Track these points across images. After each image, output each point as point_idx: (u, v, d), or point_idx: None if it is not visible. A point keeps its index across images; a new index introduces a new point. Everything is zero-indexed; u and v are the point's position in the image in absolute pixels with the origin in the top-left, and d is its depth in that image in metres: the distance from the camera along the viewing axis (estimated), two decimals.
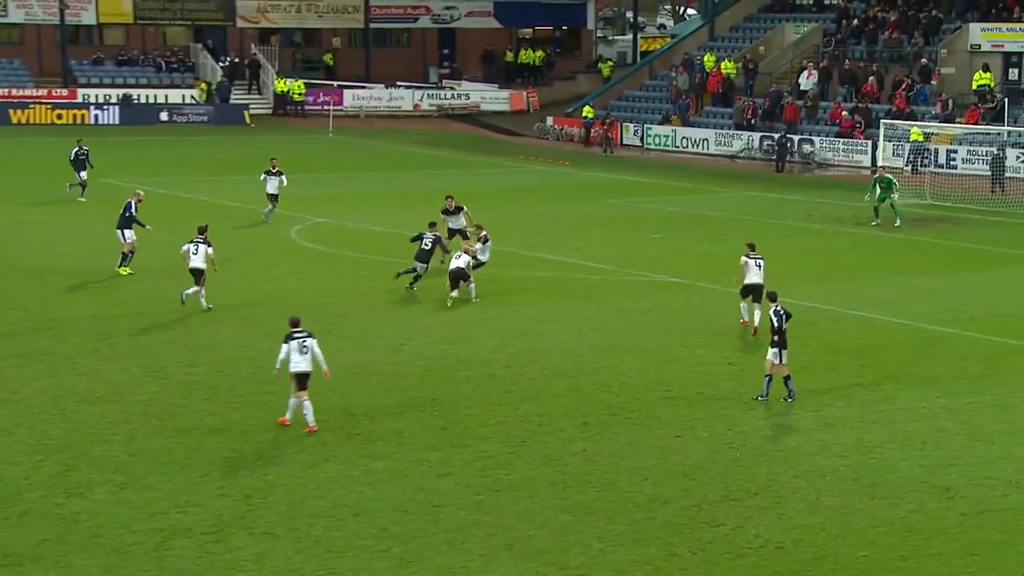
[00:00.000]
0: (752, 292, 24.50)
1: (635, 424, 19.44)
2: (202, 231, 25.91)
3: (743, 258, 24.60)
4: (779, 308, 20.34)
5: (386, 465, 17.60)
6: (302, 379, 18.83)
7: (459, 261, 26.87)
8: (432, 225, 28.62)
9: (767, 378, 20.25)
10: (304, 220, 37.78)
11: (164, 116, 63.83)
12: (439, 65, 76.08)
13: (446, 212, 30.36)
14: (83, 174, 38.64)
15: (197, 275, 25.64)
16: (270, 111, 68.27)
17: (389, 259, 31.07)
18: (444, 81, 72.87)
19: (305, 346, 18.70)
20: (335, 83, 70.10)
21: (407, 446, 18.35)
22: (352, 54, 73.69)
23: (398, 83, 70.09)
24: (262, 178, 36.40)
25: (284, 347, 18.80)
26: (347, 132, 61.82)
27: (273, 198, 36.05)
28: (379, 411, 19.92)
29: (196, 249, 25.58)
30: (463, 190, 43.89)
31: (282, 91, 67.63)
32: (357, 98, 68.68)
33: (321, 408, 20.00)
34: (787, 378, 20.30)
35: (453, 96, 70.07)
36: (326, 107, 66.04)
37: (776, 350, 20.17)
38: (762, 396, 20.23)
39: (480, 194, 41.94)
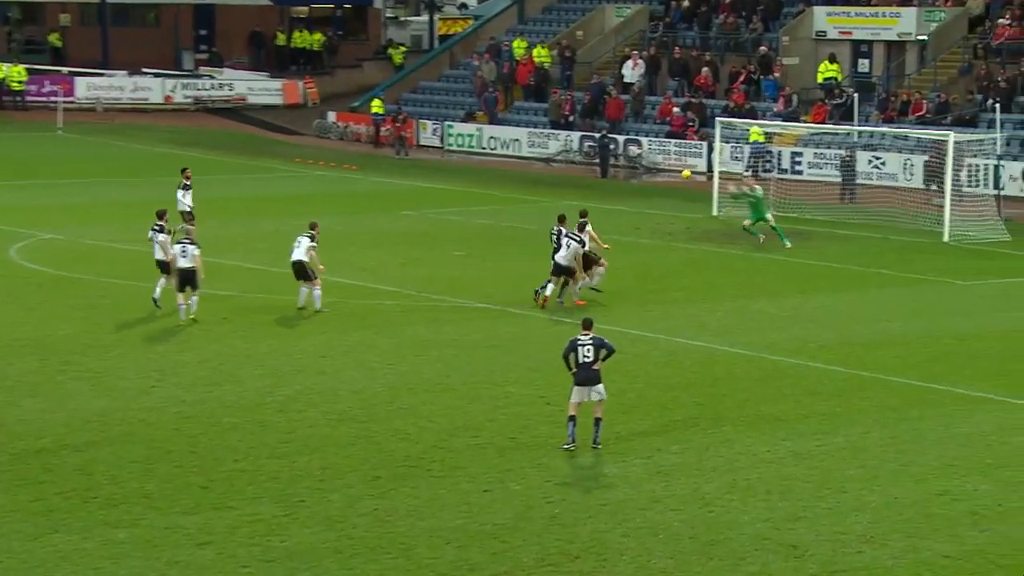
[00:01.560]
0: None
1: (437, 477, 19.52)
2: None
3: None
4: (584, 337, 20.61)
5: (131, 534, 17.26)
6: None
7: None
8: (561, 219, 30.23)
9: (570, 420, 20.53)
10: (28, 236, 36.76)
11: None
12: (195, 49, 75.07)
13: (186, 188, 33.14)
14: None
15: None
16: None
17: (134, 283, 30.46)
18: (201, 68, 71.96)
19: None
20: (64, 69, 68.41)
21: (158, 510, 18.05)
22: (85, 34, 72.08)
23: (144, 70, 68.88)
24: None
25: None
26: (81, 129, 60.42)
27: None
28: (123, 468, 19.52)
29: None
30: (225, 199, 43.50)
31: None
32: (93, 88, 67.21)
33: (50, 467, 19.46)
34: (597, 421, 20.61)
35: (213, 86, 69.24)
36: (53, 98, 64.40)
37: (586, 388, 20.47)
38: (567, 444, 20.52)
39: (248, 203, 41.53)
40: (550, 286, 29.76)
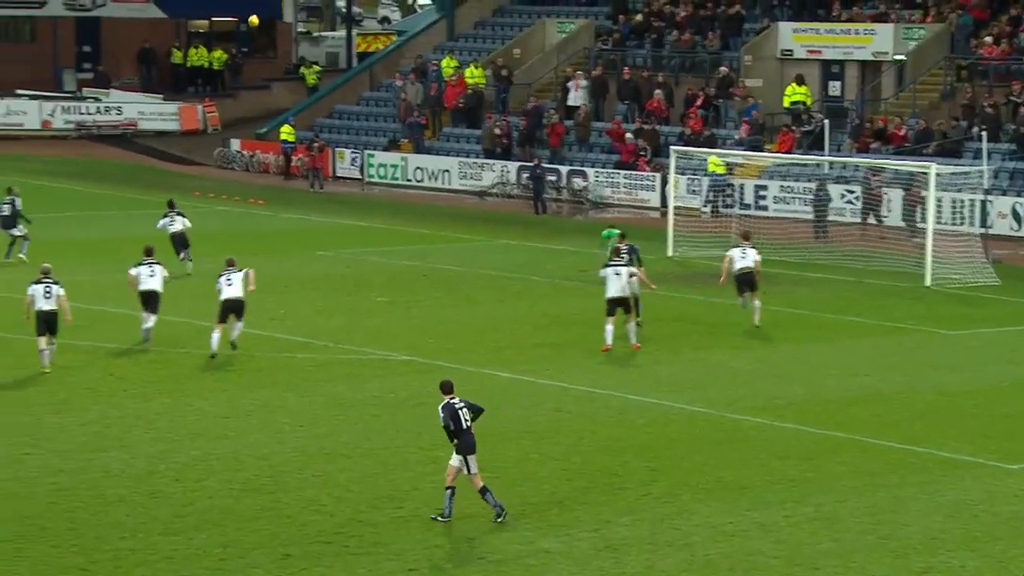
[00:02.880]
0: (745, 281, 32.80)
1: (355, 555, 19.42)
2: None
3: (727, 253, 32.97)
4: (455, 400, 20.61)
5: None
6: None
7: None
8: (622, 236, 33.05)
9: (448, 491, 20.50)
10: None
11: None
12: (77, 68, 74.73)
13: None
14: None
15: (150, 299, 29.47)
16: None
17: (6, 334, 30.16)
18: (85, 90, 71.60)
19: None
20: None
21: None
22: None
23: (18, 92, 68.42)
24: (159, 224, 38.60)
25: None
26: None
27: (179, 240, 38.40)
28: None
29: (152, 271, 29.44)
30: (113, 238, 43.20)
31: None
32: None
33: None
34: (484, 491, 20.59)
35: (99, 110, 68.93)
36: None
37: (461, 456, 20.49)
38: (442, 516, 20.49)
39: (139, 243, 41.25)
40: (609, 328, 30.31)
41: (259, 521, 20.49)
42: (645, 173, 53.65)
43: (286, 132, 60.75)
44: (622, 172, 54.24)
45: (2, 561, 18.88)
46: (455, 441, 20.57)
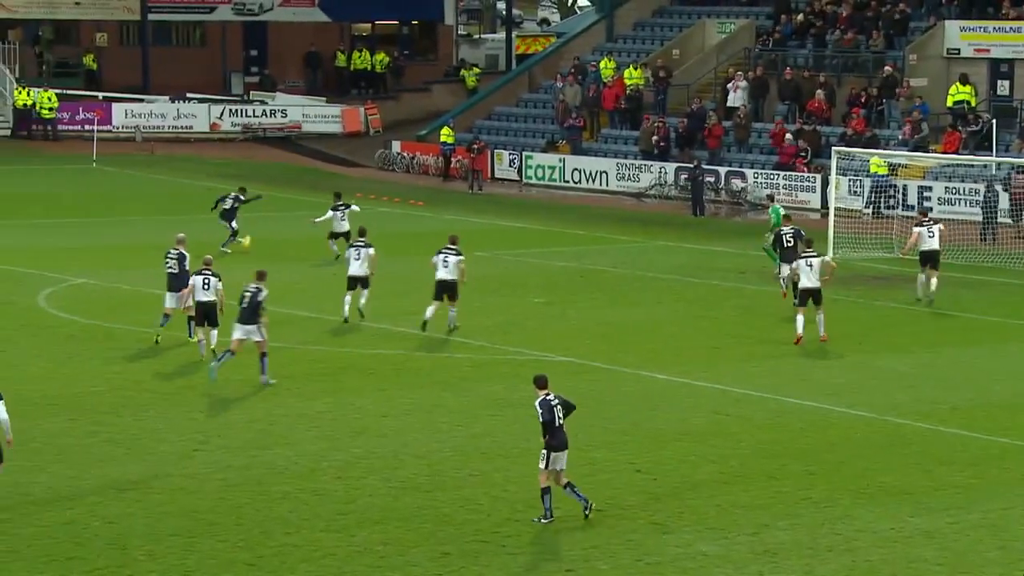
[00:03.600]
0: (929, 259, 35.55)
1: (512, 554, 19.49)
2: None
3: (914, 229, 35.89)
4: (551, 396, 20.61)
5: None
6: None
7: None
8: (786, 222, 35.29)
9: (544, 493, 20.46)
10: (58, 281, 37.27)
11: None
12: (245, 71, 76.02)
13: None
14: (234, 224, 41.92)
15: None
16: (8, 132, 67.29)
17: (175, 333, 30.80)
18: (252, 93, 72.78)
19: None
20: (100, 95, 69.46)
21: None
22: (124, 55, 73.15)
23: (188, 95, 69.79)
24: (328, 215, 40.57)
25: None
26: (118, 161, 61.26)
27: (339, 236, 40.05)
28: (161, 542, 19.67)
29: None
30: (277, 239, 43.85)
31: (24, 105, 66.76)
32: (132, 115, 68.18)
33: (80, 540, 19.66)
34: (568, 485, 20.57)
35: (265, 113, 70.03)
36: (88, 127, 65.44)
37: (545, 452, 20.48)
38: (543, 518, 20.45)
39: (301, 245, 41.88)
40: (799, 319, 31.03)
41: (418, 519, 20.66)
42: (805, 174, 53.10)
43: (446, 134, 61.16)
44: (781, 173, 53.76)
45: (172, 554, 19.27)
46: (547, 437, 20.55)
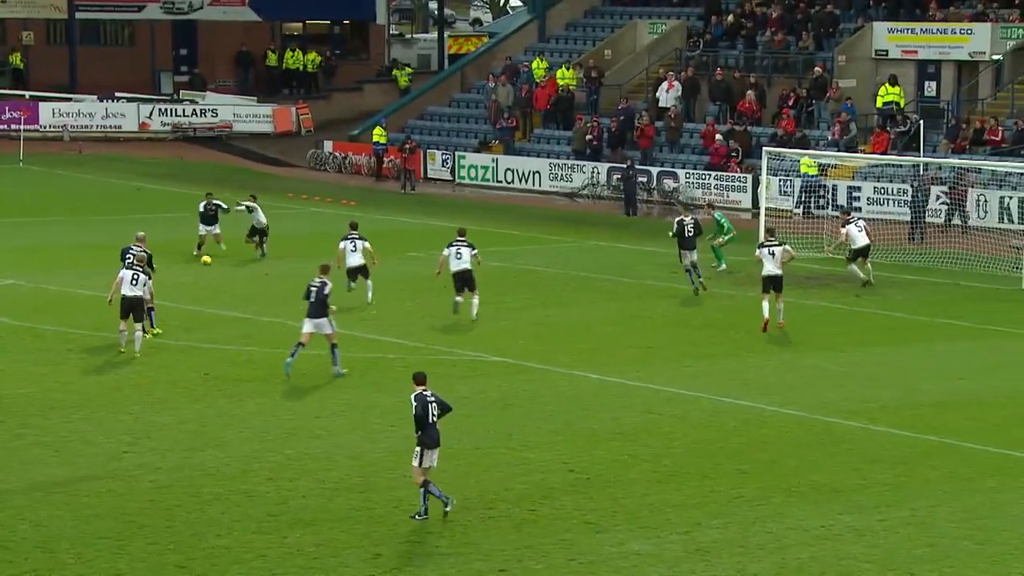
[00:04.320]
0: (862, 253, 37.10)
1: (445, 555, 19.46)
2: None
3: (843, 228, 37.70)
4: (427, 393, 20.78)
5: None
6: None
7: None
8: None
9: (421, 490, 20.60)
10: None
11: None
12: (175, 71, 75.54)
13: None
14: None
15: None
16: None
17: (103, 334, 30.56)
18: (182, 92, 72.35)
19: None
20: (27, 93, 68.80)
21: None
22: (51, 54, 72.52)
23: (117, 94, 69.28)
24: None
25: None
26: (45, 160, 60.74)
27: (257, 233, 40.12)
28: (90, 545, 19.52)
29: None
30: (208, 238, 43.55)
31: None
32: (59, 114, 67.60)
33: (6, 544, 19.47)
34: (427, 483, 20.62)
35: (195, 112, 69.63)
36: (15, 126, 64.80)
37: (418, 449, 20.64)
38: (419, 514, 20.58)
39: (232, 244, 41.63)
40: (765, 305, 32.42)
41: (351, 520, 20.60)
42: (736, 174, 53.37)
43: (378, 134, 61.02)
44: (713, 173, 54.00)
45: (102, 557, 19.12)
46: (419, 433, 20.69)
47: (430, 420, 20.73)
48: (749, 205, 51.81)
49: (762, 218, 43.66)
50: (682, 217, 37.63)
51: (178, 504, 21.11)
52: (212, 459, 23.18)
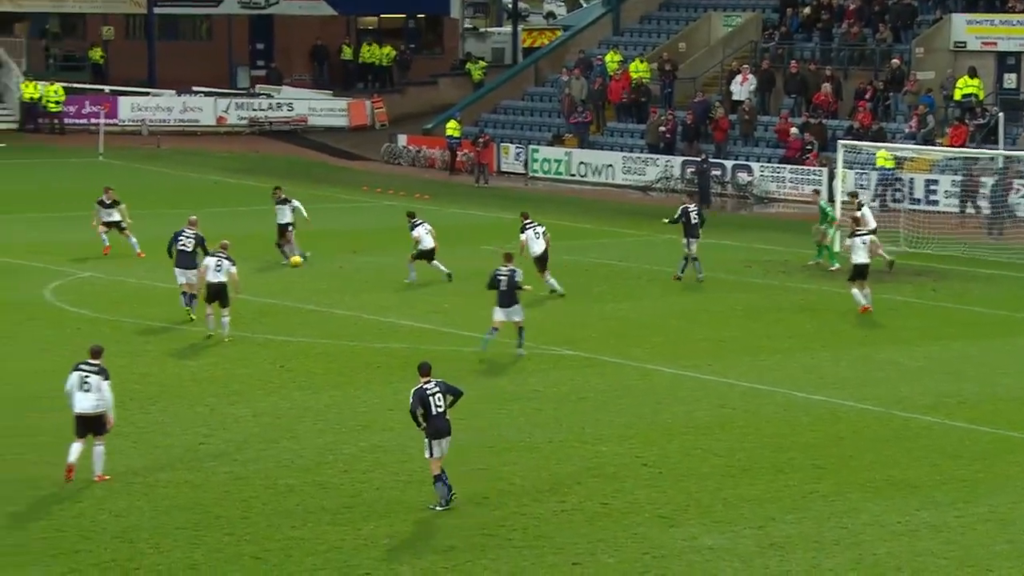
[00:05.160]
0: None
1: (518, 547, 19.47)
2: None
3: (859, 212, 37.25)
4: (429, 384, 20.78)
5: None
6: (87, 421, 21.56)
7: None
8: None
9: (437, 480, 20.68)
10: (65, 274, 37.28)
11: None
12: (251, 65, 76.04)
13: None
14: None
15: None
16: (15, 126, 67.35)
17: (181, 327, 30.82)
18: (258, 86, 72.80)
19: (87, 383, 21.60)
20: (106, 88, 69.50)
21: None
22: (130, 49, 73.24)
23: (195, 89, 69.81)
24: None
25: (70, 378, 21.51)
26: (124, 155, 61.28)
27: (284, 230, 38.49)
28: (167, 536, 19.68)
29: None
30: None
31: (31, 99, 66.82)
32: (137, 108, 68.22)
33: (87, 534, 19.65)
34: (439, 478, 20.63)
35: (271, 107, 70.05)
36: (94, 120, 65.44)
37: (427, 441, 20.72)
38: (439, 505, 20.62)
39: (307, 238, 41.82)
40: (856, 291, 33.73)
41: (423, 513, 20.64)
42: (811, 167, 53.02)
43: (452, 127, 61.12)
44: (788, 166, 53.68)
45: (179, 548, 19.27)
46: (423, 426, 20.72)
47: (434, 412, 20.72)
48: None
49: (838, 212, 43.32)
50: (687, 205, 38.05)
51: (254, 495, 21.24)
52: (287, 451, 23.31)
